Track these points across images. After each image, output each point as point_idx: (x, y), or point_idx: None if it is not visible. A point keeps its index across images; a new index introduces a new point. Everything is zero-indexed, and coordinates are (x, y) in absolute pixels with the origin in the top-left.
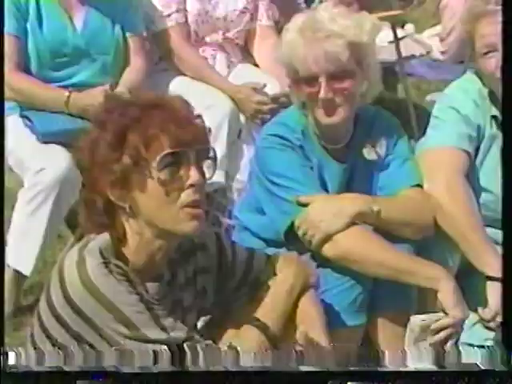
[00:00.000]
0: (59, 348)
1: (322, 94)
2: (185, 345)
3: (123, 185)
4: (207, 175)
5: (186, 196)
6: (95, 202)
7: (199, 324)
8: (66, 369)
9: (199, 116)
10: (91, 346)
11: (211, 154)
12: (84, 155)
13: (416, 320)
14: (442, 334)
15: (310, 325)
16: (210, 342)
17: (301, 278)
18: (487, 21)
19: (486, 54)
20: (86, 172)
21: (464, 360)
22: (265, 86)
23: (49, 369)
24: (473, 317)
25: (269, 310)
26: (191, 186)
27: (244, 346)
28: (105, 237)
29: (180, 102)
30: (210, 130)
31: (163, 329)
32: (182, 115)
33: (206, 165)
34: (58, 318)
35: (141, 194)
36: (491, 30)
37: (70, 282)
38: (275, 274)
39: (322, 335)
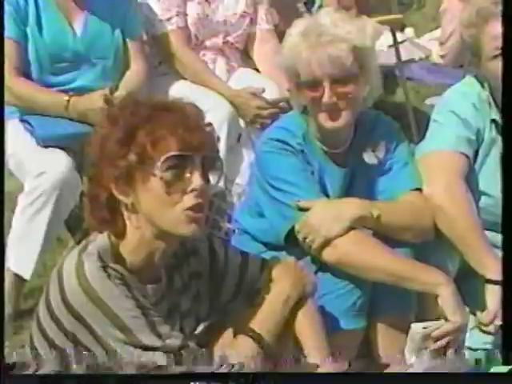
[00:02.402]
0: (56, 351)
1: (325, 99)
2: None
3: (127, 180)
4: (212, 182)
5: (188, 200)
6: (99, 196)
7: (198, 330)
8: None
9: (210, 124)
10: (88, 350)
11: (218, 162)
12: (94, 149)
13: (417, 328)
14: (444, 341)
15: (308, 338)
16: (204, 350)
17: (298, 288)
18: (499, 22)
19: (496, 56)
20: (93, 166)
21: (463, 362)
22: (264, 91)
23: (48, 371)
24: (472, 320)
25: (264, 320)
26: (193, 190)
27: (238, 356)
28: (104, 239)
29: (192, 108)
30: (218, 138)
31: (159, 336)
32: (192, 120)
33: (212, 173)
34: (56, 321)
35: (143, 191)
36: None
37: (69, 285)
38: (271, 281)
39: (319, 348)
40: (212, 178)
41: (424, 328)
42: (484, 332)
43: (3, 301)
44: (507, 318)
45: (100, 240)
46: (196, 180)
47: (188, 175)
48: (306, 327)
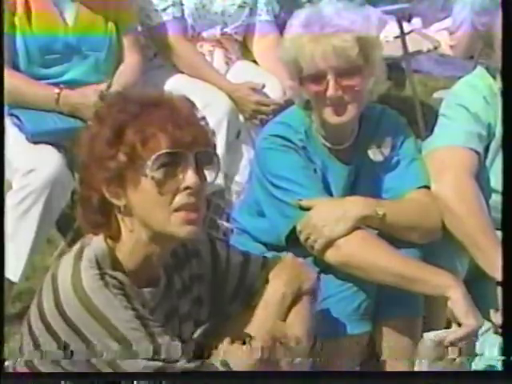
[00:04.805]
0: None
1: (330, 92)
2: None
3: (118, 182)
4: (208, 180)
5: (180, 199)
6: (91, 199)
7: (196, 334)
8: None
9: (203, 118)
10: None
11: (214, 158)
12: (83, 150)
13: (429, 336)
14: (459, 347)
15: (294, 338)
16: (203, 360)
17: (293, 285)
18: None
19: None
20: (83, 168)
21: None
22: (264, 86)
23: (50, 370)
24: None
25: (260, 323)
26: (186, 188)
27: (235, 363)
28: (100, 242)
29: (183, 102)
30: (214, 133)
31: (157, 347)
32: (184, 115)
33: (208, 169)
34: (49, 328)
35: (135, 192)
36: None
37: (64, 292)
38: (268, 280)
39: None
40: (209, 175)
41: (436, 335)
42: (497, 333)
43: (3, 298)
44: (507, 318)
45: (96, 243)
46: (189, 178)
47: (181, 173)
48: (295, 327)
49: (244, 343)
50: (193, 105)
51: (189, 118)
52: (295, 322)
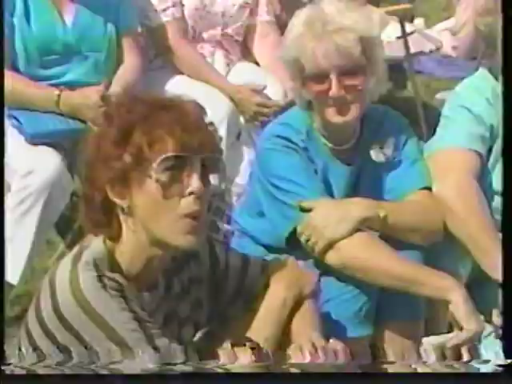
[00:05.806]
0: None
1: (333, 92)
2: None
3: (123, 183)
4: (213, 184)
5: (186, 205)
6: (94, 198)
7: (197, 337)
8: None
9: (211, 123)
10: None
11: (220, 164)
12: (90, 149)
13: (429, 341)
14: (461, 351)
15: (305, 340)
16: (203, 362)
17: (294, 289)
18: None
19: None
20: (88, 166)
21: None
22: (265, 87)
23: (50, 371)
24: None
25: (261, 328)
26: (191, 193)
27: (236, 367)
28: (99, 245)
29: (192, 107)
30: (221, 138)
31: (156, 349)
32: (192, 120)
33: (213, 174)
34: (47, 331)
35: (139, 194)
36: None
37: (62, 296)
38: (268, 283)
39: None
40: (213, 180)
41: (437, 340)
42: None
43: (3, 298)
44: (507, 319)
45: (95, 246)
46: (194, 182)
47: (186, 177)
48: (301, 332)
49: (245, 346)
50: (202, 110)
51: (197, 122)
52: (302, 326)
